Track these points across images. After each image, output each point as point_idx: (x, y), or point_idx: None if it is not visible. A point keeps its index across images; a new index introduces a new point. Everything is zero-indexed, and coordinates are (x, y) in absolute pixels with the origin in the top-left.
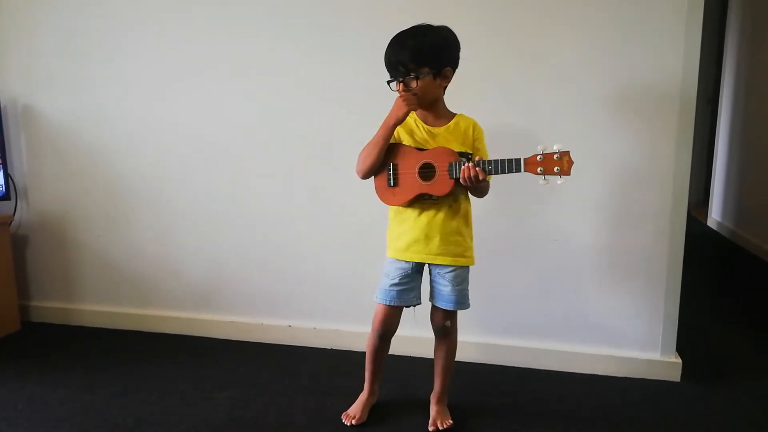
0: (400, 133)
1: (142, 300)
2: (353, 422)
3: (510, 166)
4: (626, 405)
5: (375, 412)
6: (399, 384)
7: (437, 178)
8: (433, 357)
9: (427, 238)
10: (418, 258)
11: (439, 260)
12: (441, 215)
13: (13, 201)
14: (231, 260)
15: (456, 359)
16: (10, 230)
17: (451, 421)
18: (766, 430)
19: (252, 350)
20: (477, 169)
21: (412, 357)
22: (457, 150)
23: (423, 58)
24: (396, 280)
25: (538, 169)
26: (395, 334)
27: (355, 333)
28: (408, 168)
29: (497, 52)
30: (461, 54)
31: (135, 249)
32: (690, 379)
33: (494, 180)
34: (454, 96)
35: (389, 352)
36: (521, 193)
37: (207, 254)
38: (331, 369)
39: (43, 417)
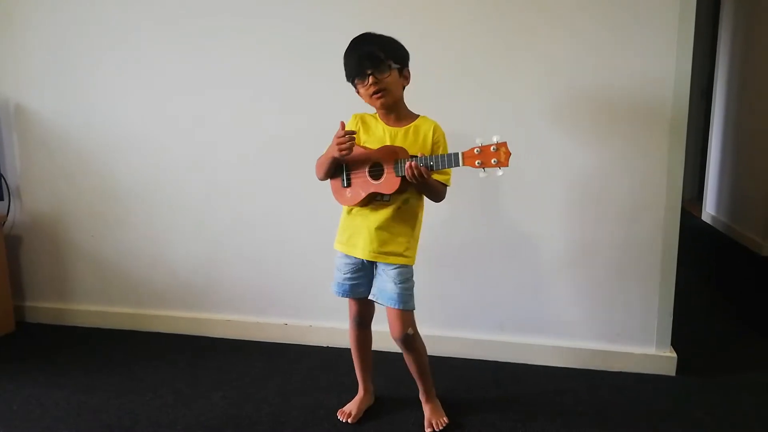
0: (360, 133)
1: (137, 299)
2: (348, 420)
3: (450, 160)
4: (621, 399)
5: (370, 409)
6: (394, 382)
7: (385, 176)
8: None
9: (373, 236)
10: (363, 255)
11: (381, 258)
12: (392, 214)
13: (6, 201)
14: (225, 259)
15: (450, 355)
16: (3, 231)
17: (446, 419)
18: (761, 423)
19: (247, 349)
20: (420, 166)
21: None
22: (413, 153)
23: (391, 52)
24: (349, 275)
25: (476, 162)
26: (377, 330)
27: None
28: (359, 168)
29: (488, 52)
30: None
31: (129, 248)
32: (685, 373)
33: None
34: (437, 96)
35: (386, 351)
36: (514, 190)
37: (201, 253)
38: (327, 367)
39: (38, 418)
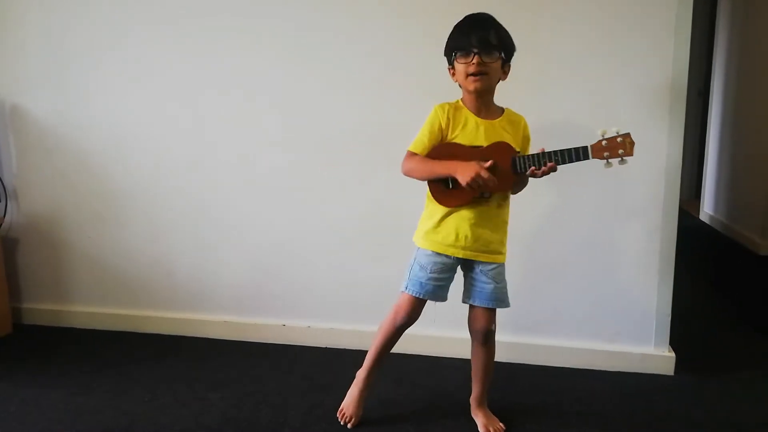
0: (451, 124)
1: (134, 301)
2: (350, 425)
3: (578, 154)
4: (620, 399)
5: (367, 403)
6: (396, 380)
7: (498, 174)
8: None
9: (475, 235)
10: (464, 255)
11: (483, 257)
12: (492, 212)
13: (2, 203)
14: (223, 260)
15: (448, 356)
16: (0, 233)
17: (501, 425)
18: (759, 423)
19: (245, 350)
20: (550, 163)
21: (413, 354)
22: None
23: (504, 42)
24: (436, 275)
25: (605, 154)
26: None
27: (349, 331)
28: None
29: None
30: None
31: (126, 250)
32: (683, 373)
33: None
34: (434, 93)
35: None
36: None
37: (199, 254)
38: (326, 368)
39: (36, 419)
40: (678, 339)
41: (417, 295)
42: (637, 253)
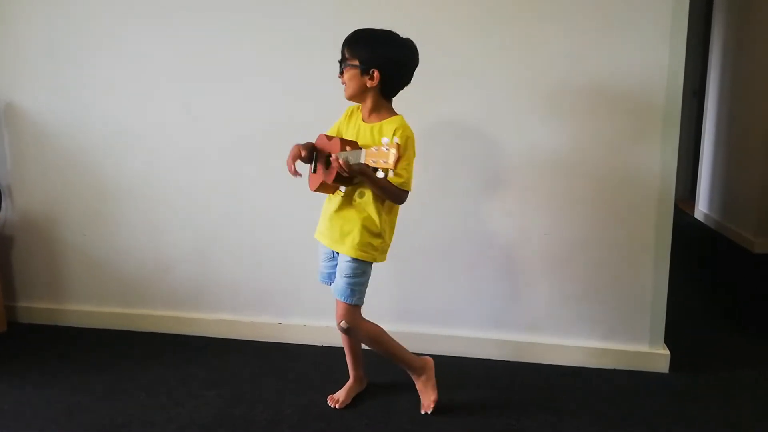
0: (343, 124)
1: (130, 299)
2: (336, 405)
3: (357, 155)
4: (615, 396)
5: (364, 397)
6: (386, 377)
7: (330, 168)
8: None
9: (331, 224)
10: (322, 240)
11: (335, 247)
12: (341, 205)
13: None
14: (219, 258)
15: (444, 353)
16: None
17: (434, 399)
18: (754, 419)
19: (241, 348)
20: (339, 159)
21: None
22: None
23: (358, 51)
24: (323, 262)
25: (371, 160)
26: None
27: None
28: (321, 158)
29: (477, 48)
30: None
31: (121, 248)
32: (678, 370)
33: (481, 172)
34: (431, 92)
35: None
36: (506, 187)
37: (195, 252)
38: (321, 366)
39: (30, 418)
40: (672, 337)
41: (321, 282)
42: (632, 250)
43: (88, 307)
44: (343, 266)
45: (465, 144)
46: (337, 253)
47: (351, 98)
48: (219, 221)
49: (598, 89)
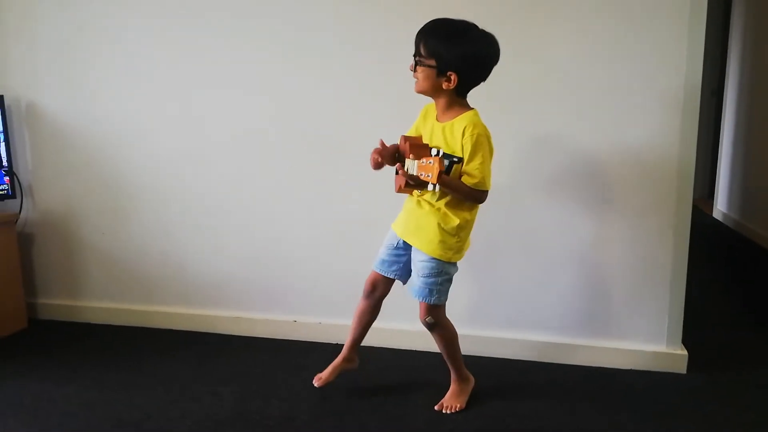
0: (420, 122)
1: (146, 296)
2: (316, 383)
3: (413, 166)
4: (632, 397)
5: (377, 397)
6: (400, 374)
7: (399, 174)
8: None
9: (407, 217)
10: (396, 229)
11: (409, 240)
12: (420, 201)
13: (18, 199)
14: (235, 256)
15: (467, 353)
16: (16, 228)
17: (460, 406)
18: None
19: (256, 345)
20: (401, 171)
21: (415, 351)
22: (446, 151)
23: (432, 53)
24: (385, 249)
25: (421, 174)
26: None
27: None
28: (400, 161)
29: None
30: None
31: (139, 246)
32: (696, 371)
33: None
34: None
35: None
36: (526, 187)
37: (211, 250)
38: None
39: (49, 413)
40: (691, 337)
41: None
42: (650, 250)
43: (106, 304)
44: (419, 265)
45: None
46: (405, 247)
47: (421, 93)
48: (235, 220)
49: (616, 89)
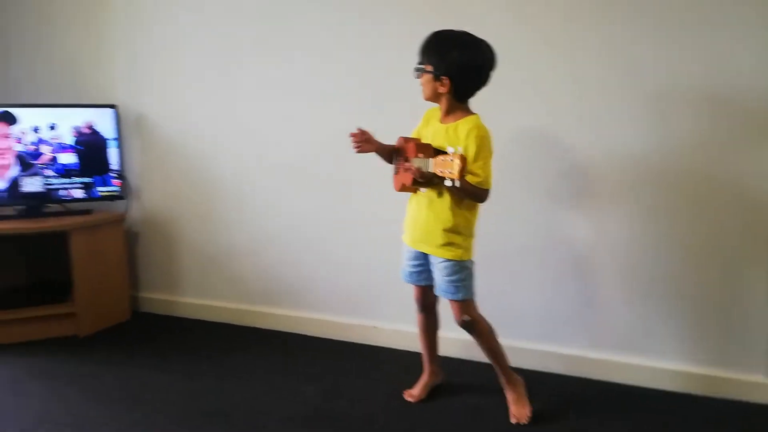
0: (421, 127)
1: (238, 295)
2: (410, 399)
3: (427, 164)
4: (722, 429)
5: (452, 400)
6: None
7: (408, 172)
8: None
9: (413, 225)
10: (406, 241)
11: (422, 249)
12: (422, 206)
13: (126, 200)
14: (320, 260)
15: (535, 369)
16: (124, 227)
17: (528, 414)
18: None
19: (339, 348)
20: (413, 166)
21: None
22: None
23: (429, 60)
24: (407, 262)
25: (439, 170)
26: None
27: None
28: (402, 161)
29: (568, 45)
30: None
31: (232, 246)
32: None
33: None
34: (516, 99)
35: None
36: (597, 195)
37: (300, 257)
38: (412, 369)
39: (144, 401)
40: None
41: (404, 281)
42: (742, 267)
43: (200, 301)
44: (438, 267)
45: (555, 149)
46: (423, 254)
47: (428, 100)
48: (322, 224)
49: (702, 92)
